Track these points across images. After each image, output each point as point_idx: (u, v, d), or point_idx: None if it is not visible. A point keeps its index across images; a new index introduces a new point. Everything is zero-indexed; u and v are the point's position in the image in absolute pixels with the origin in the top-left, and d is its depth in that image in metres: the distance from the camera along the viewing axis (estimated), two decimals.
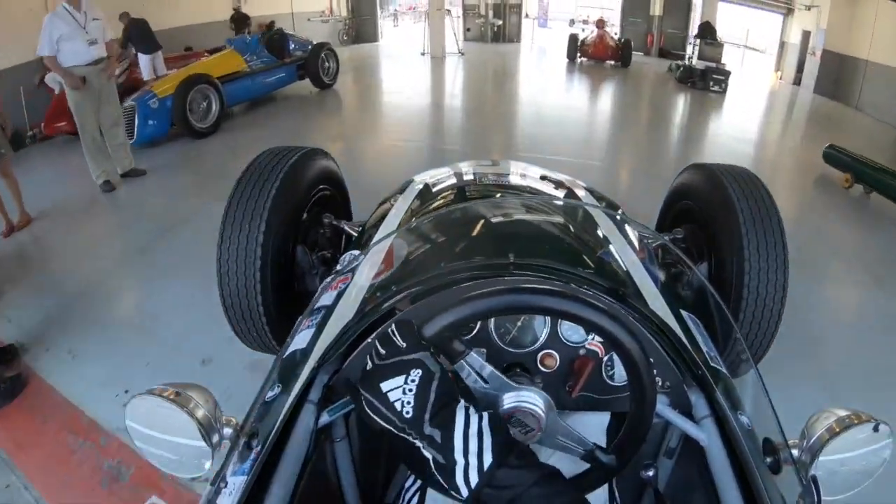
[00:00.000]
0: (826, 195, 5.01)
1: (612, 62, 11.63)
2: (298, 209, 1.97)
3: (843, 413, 0.82)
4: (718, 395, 0.97)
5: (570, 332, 1.05)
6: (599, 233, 1.55)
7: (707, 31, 10.80)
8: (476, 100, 8.77)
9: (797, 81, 10.93)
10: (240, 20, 9.85)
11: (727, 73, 9.44)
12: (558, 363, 1.05)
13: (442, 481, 0.76)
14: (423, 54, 11.63)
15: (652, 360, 0.93)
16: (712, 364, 1.07)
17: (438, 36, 11.27)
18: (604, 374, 1.06)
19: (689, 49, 11.60)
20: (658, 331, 1.05)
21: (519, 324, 1.05)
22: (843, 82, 9.13)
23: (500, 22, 15.39)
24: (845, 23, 9.12)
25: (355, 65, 10.68)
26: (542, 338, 1.05)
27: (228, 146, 5.73)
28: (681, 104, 8.88)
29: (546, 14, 18.26)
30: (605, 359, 1.05)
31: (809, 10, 10.45)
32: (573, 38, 12.14)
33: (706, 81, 9.36)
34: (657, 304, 1.17)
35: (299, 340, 1.08)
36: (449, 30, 11.76)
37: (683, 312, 1.21)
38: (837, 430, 0.80)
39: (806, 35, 10.64)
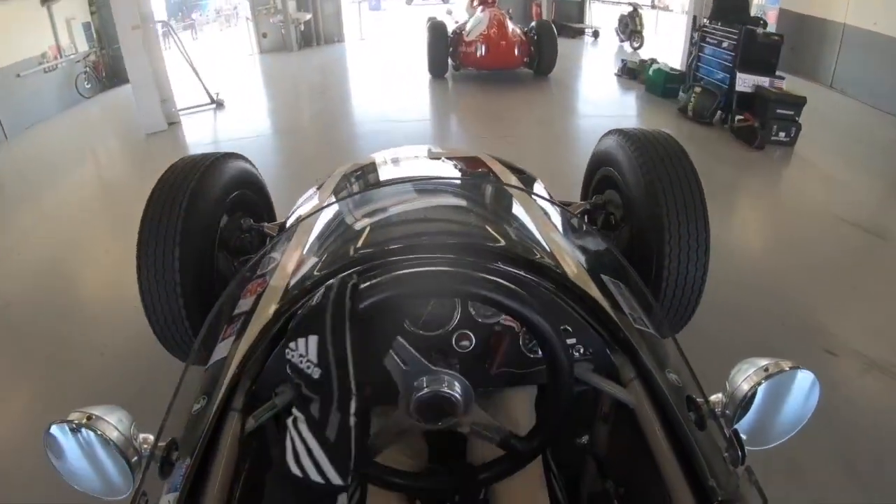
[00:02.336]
0: None
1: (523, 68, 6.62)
2: (215, 215, 1.88)
3: (764, 362, 0.79)
4: (643, 357, 0.96)
5: (483, 309, 1.02)
6: (514, 206, 1.54)
7: None
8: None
9: None
10: None
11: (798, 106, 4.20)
12: (474, 342, 1.02)
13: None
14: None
15: (570, 328, 0.98)
16: (636, 326, 1.07)
17: (147, 87, 5.09)
18: (522, 347, 1.03)
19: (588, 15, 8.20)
20: (577, 298, 1.02)
21: (429, 308, 1.02)
22: (810, 53, 6.75)
23: (309, 16, 9.69)
24: None
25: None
26: (456, 318, 1.02)
27: None
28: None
29: None
30: (522, 332, 1.02)
31: None
32: (438, 32, 6.57)
33: (767, 125, 4.14)
34: (575, 272, 1.14)
35: (221, 350, 1.06)
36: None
37: (604, 277, 1.18)
38: (758, 381, 0.77)
39: None
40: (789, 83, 4.45)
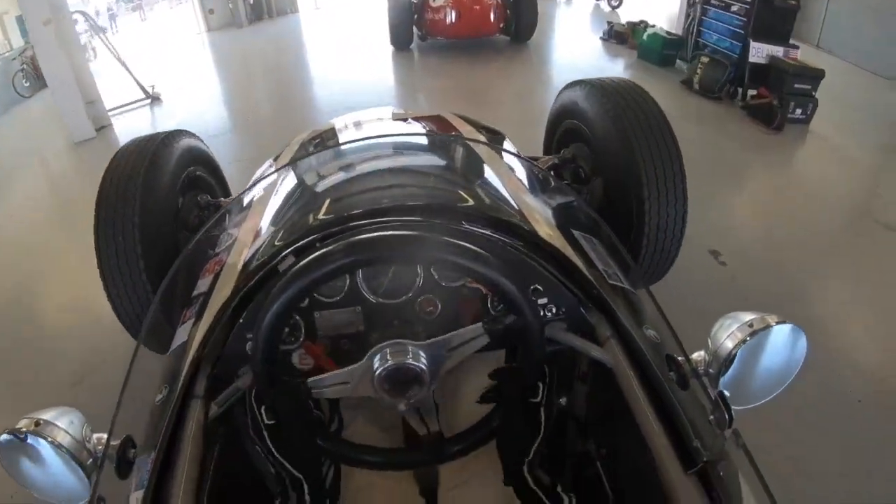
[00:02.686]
0: None
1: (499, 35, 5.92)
2: (171, 196, 1.80)
3: (748, 317, 0.75)
4: (619, 314, 0.93)
5: (447, 272, 0.98)
6: (480, 164, 1.48)
7: None
8: None
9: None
10: None
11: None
12: (440, 307, 0.98)
13: None
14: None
15: (541, 287, 0.95)
16: (610, 282, 1.02)
17: (67, 89, 4.30)
18: (491, 310, 0.99)
19: None
20: (547, 256, 0.99)
21: (390, 274, 0.97)
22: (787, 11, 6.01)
23: None
24: None
25: None
26: (418, 283, 0.97)
27: None
28: None
29: None
30: (490, 295, 0.99)
31: None
32: None
33: (784, 102, 3.62)
34: (545, 228, 1.09)
35: (181, 335, 1.01)
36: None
37: (576, 233, 1.14)
38: (743, 338, 0.74)
39: None
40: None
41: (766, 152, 3.53)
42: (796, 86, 3.67)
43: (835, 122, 3.77)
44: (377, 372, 0.81)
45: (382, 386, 0.81)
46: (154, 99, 5.31)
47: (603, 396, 0.98)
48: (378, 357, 0.81)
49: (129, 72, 5.26)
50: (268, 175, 1.56)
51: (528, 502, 1.05)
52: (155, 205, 1.69)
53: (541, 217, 1.14)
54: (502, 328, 0.85)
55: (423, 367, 0.81)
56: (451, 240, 0.80)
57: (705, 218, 2.52)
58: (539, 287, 0.95)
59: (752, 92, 3.87)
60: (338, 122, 1.98)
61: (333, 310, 0.96)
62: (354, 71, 5.79)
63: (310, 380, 0.85)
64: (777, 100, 3.66)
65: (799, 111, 3.71)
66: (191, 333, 0.96)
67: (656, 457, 0.78)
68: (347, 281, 0.96)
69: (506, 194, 1.25)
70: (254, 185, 1.58)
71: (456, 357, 0.86)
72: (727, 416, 0.71)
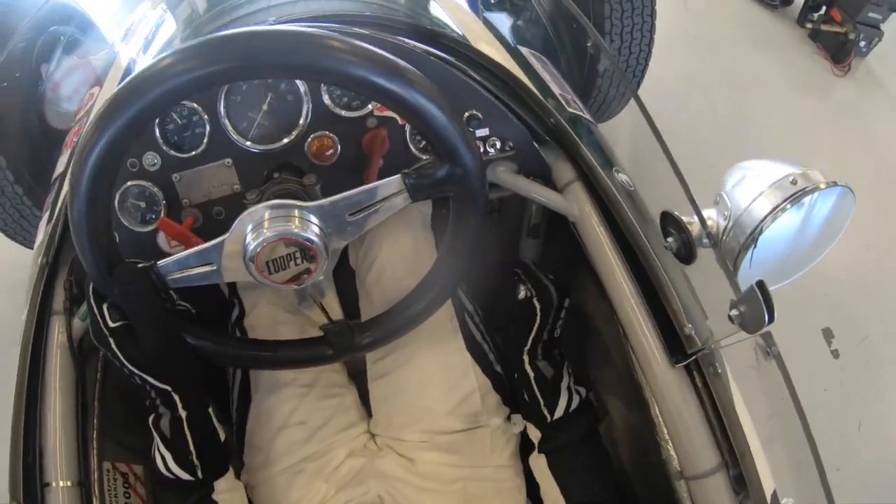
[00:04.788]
0: None
1: None
2: (25, 64, 1.46)
3: (783, 170, 0.59)
4: (583, 150, 0.77)
5: (345, 97, 0.78)
6: None
7: None
8: None
9: None
10: None
11: None
12: (339, 148, 0.80)
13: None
14: None
15: (480, 114, 0.80)
16: (570, 109, 0.86)
17: None
18: (411, 146, 0.82)
19: None
20: (489, 75, 0.81)
21: (264, 107, 0.77)
22: None
23: None
24: None
25: None
26: (305, 116, 0.78)
27: None
28: None
29: None
30: (407, 126, 0.81)
31: None
32: None
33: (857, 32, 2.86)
34: (485, 43, 0.90)
35: (39, 234, 0.86)
36: None
37: (523, 50, 0.99)
38: (781, 201, 0.57)
39: None
40: None
41: (840, 108, 2.87)
42: (870, 14, 2.99)
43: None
44: (249, 248, 0.60)
45: (261, 268, 0.61)
46: None
47: (562, 254, 0.84)
48: (251, 227, 0.61)
49: None
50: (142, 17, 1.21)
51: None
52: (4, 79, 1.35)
53: (479, 32, 0.98)
54: (430, 182, 0.63)
55: (314, 237, 0.61)
56: (347, 41, 0.54)
57: None
58: (477, 114, 0.80)
59: (820, 13, 3.15)
60: None
61: (196, 168, 0.77)
62: None
63: (160, 263, 0.63)
64: (853, 31, 3.03)
65: (863, 44, 3.16)
66: (46, 231, 0.79)
67: (635, 343, 0.69)
68: (207, 125, 0.76)
69: (437, 4, 1.04)
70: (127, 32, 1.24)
71: (364, 223, 0.64)
72: (766, 313, 0.55)
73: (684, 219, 0.66)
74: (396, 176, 0.63)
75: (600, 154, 0.81)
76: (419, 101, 0.55)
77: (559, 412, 0.79)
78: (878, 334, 2.00)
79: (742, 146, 2.41)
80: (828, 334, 1.96)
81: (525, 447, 0.88)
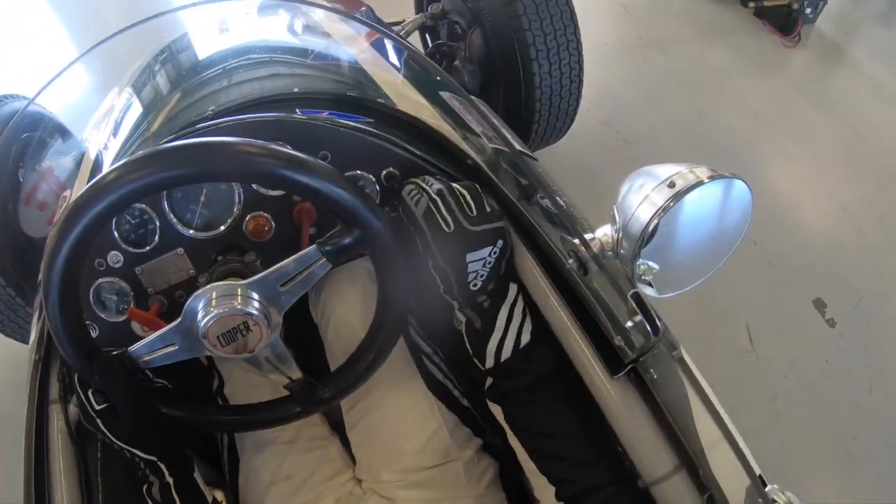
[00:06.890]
0: None
1: None
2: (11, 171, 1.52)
3: (667, 172, 0.57)
4: (497, 185, 0.82)
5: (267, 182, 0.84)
6: (320, 38, 1.29)
7: None
8: None
9: None
10: None
11: None
12: (274, 224, 0.86)
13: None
14: None
15: (397, 171, 0.86)
16: (492, 145, 0.92)
17: None
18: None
19: None
20: (406, 127, 0.89)
21: (202, 198, 0.84)
22: None
23: None
24: None
25: None
26: (238, 202, 0.85)
27: None
28: None
29: None
30: None
31: None
32: None
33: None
34: (405, 101, 0.95)
35: (31, 333, 0.87)
36: None
37: (445, 94, 1.03)
38: (663, 203, 0.55)
39: None
40: None
41: (796, 77, 2.90)
42: None
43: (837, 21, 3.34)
44: (201, 326, 0.67)
45: (213, 342, 0.67)
46: None
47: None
48: (201, 306, 0.67)
49: None
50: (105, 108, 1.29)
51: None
52: None
53: (402, 86, 1.03)
54: (343, 247, 0.68)
55: (254, 310, 0.67)
56: (229, 140, 0.61)
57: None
58: (394, 171, 0.86)
59: None
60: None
61: (155, 259, 0.85)
62: None
63: (130, 349, 0.70)
64: (795, 0, 3.08)
65: (809, 10, 3.20)
66: (37, 328, 0.83)
67: (576, 362, 0.71)
68: (157, 220, 0.83)
69: (355, 62, 1.12)
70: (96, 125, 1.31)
71: (295, 291, 0.71)
72: (648, 325, 0.61)
73: (586, 236, 0.68)
74: (313, 246, 0.69)
75: (521, 185, 0.85)
76: (312, 182, 0.62)
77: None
78: (872, 295, 1.98)
79: (702, 141, 2.45)
80: (819, 305, 1.95)
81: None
